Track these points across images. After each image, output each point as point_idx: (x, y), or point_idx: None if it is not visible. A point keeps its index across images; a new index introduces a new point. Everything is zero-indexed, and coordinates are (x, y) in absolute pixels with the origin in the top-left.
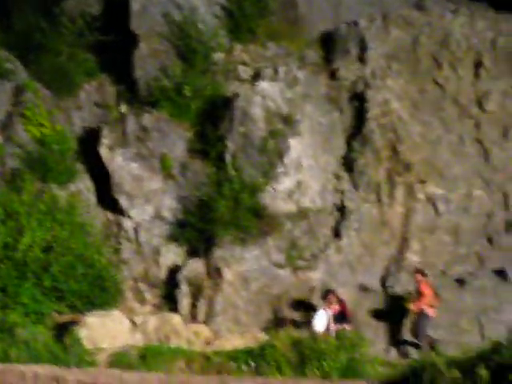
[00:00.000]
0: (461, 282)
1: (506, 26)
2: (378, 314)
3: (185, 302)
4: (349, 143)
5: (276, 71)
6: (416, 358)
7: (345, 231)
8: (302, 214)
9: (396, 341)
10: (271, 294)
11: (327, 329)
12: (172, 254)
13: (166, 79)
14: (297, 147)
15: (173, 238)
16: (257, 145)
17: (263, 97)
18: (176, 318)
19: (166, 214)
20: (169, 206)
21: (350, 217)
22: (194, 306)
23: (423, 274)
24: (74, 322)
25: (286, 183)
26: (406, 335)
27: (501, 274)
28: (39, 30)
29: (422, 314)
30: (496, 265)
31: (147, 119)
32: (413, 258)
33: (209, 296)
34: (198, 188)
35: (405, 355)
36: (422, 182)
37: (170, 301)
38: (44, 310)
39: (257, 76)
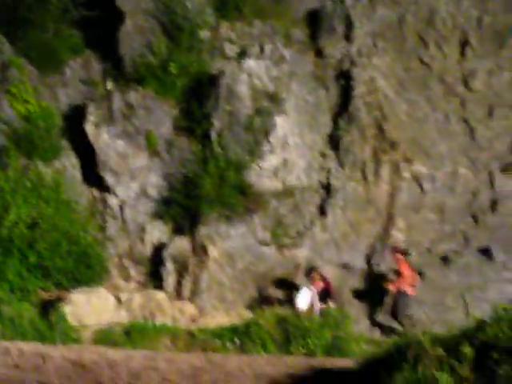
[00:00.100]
0: (446, 260)
1: (491, 4)
2: (361, 293)
3: (170, 280)
4: (335, 121)
5: (262, 49)
6: (399, 336)
7: (330, 209)
8: (287, 191)
9: (374, 321)
10: (256, 272)
11: (311, 306)
12: (157, 232)
13: (152, 56)
14: (283, 125)
15: (158, 215)
16: (243, 122)
17: (249, 74)
18: (161, 295)
19: (152, 191)
20: (154, 183)
21: (335, 195)
22: (179, 283)
23: (403, 253)
24: (59, 299)
25: (271, 161)
26: (382, 317)
27: (486, 252)
28: (25, 6)
29: (400, 294)
30: (481, 243)
31: (133, 96)
32: (398, 235)
33: (194, 273)
34: (183, 165)
35: (389, 333)
36: (408, 160)
37: (155, 278)
38: (29, 287)
39: (243, 54)
